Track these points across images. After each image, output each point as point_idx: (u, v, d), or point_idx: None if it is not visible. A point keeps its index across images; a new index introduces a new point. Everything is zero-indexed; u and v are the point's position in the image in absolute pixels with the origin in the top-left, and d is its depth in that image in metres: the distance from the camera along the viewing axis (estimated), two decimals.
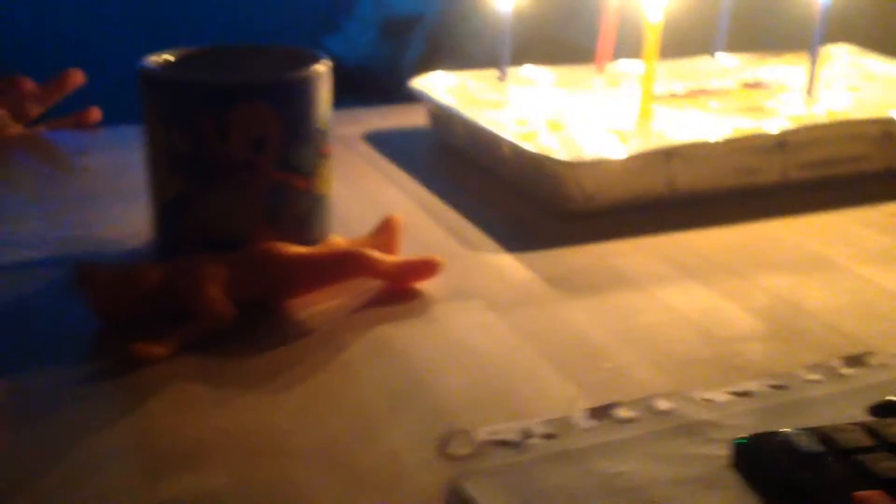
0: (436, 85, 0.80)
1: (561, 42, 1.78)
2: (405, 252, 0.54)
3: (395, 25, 2.34)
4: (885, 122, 0.69)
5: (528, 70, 0.84)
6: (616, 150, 0.63)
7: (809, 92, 0.72)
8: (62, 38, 2.48)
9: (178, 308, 0.46)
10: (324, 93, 0.53)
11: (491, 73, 0.81)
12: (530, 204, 0.65)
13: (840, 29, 1.02)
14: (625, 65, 0.85)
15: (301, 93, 0.52)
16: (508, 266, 0.55)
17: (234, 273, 0.48)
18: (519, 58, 0.83)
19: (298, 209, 0.53)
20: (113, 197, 0.65)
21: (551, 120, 0.71)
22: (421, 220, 0.62)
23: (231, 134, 0.50)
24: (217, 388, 0.42)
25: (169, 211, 0.53)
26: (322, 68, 0.53)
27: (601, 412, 0.39)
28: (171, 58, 0.56)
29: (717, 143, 0.64)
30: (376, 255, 0.51)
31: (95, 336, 0.46)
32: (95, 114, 0.82)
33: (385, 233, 0.55)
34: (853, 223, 0.62)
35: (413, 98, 0.79)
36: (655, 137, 0.67)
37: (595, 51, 0.83)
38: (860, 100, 0.77)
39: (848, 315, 0.49)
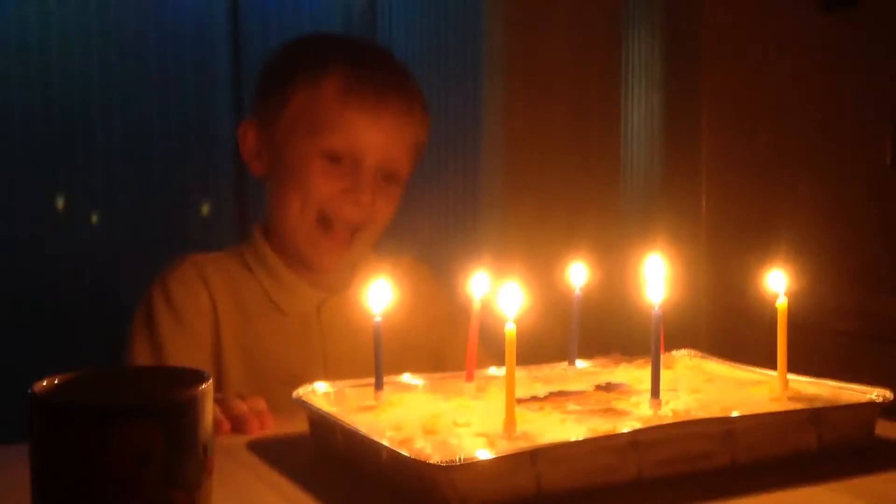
0: (316, 393, 0.84)
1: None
2: None
3: None
4: (726, 422, 0.77)
5: (404, 378, 0.89)
6: (485, 452, 0.68)
7: (654, 394, 0.79)
8: None
9: None
10: (207, 411, 0.57)
11: (368, 382, 0.86)
12: None
13: (683, 335, 1.13)
14: (492, 371, 0.92)
15: (184, 411, 0.55)
16: None
17: None
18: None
19: None
20: None
21: (425, 425, 0.76)
22: None
23: (116, 451, 0.52)
24: None
25: None
26: (204, 388, 0.57)
27: None
28: (56, 381, 0.58)
29: (576, 444, 0.70)
30: None
31: None
32: None
33: None
34: None
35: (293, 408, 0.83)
36: (520, 440, 0.72)
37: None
38: (701, 400, 0.85)
39: None
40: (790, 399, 0.86)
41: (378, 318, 0.84)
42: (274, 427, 0.89)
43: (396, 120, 1.19)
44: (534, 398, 0.86)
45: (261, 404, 0.91)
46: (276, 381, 1.09)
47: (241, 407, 0.89)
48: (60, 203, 2.66)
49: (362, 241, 1.22)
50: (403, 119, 1.21)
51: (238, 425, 0.88)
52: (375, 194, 1.18)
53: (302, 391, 0.84)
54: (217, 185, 2.81)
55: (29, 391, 0.55)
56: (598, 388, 0.91)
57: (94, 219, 2.66)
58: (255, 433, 0.87)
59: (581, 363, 0.98)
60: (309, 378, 0.87)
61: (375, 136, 1.17)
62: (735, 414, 0.77)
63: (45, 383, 0.57)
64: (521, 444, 0.70)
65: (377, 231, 1.23)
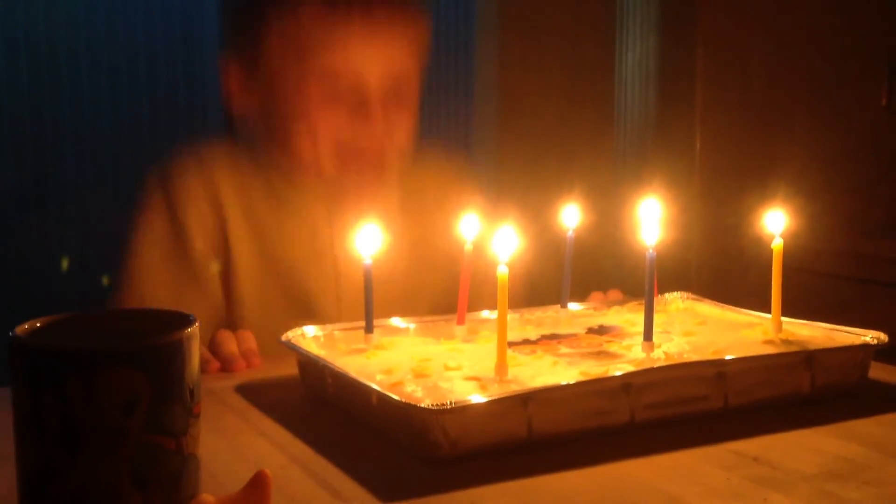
0: (305, 337, 0.83)
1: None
2: None
3: None
4: (718, 364, 0.76)
5: (393, 321, 0.89)
6: (476, 396, 0.67)
7: (647, 337, 0.79)
8: None
9: None
10: (193, 355, 0.55)
11: (357, 325, 0.85)
12: (400, 451, 0.67)
13: (676, 277, 1.13)
14: (484, 314, 0.91)
15: (170, 357, 0.54)
16: None
17: None
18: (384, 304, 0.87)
19: (167, 470, 0.54)
20: None
21: (416, 369, 0.75)
22: (292, 473, 0.63)
23: (100, 399, 0.51)
24: None
25: (36, 477, 0.52)
26: (190, 331, 0.55)
27: None
28: (39, 325, 0.57)
29: (567, 387, 0.69)
30: None
31: None
32: None
33: (255, 489, 0.56)
34: (699, 461, 0.67)
35: (283, 349, 0.82)
36: (512, 383, 0.71)
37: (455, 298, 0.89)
38: (694, 343, 0.84)
39: None
40: (783, 341, 0.85)
41: (368, 262, 0.82)
42: (263, 368, 0.88)
43: (390, 25, 1.08)
44: (525, 341, 0.86)
45: (250, 342, 0.90)
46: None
47: (231, 346, 0.88)
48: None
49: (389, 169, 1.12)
50: (397, 23, 1.09)
51: (227, 364, 0.87)
52: (388, 111, 1.08)
53: (291, 334, 0.83)
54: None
55: (10, 333, 0.54)
56: (591, 330, 0.90)
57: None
58: (244, 371, 0.86)
59: (573, 306, 0.97)
60: None
61: (370, 46, 1.07)
62: (728, 357, 0.77)
63: (26, 326, 0.56)
64: (513, 388, 0.70)
65: (399, 158, 1.13)
